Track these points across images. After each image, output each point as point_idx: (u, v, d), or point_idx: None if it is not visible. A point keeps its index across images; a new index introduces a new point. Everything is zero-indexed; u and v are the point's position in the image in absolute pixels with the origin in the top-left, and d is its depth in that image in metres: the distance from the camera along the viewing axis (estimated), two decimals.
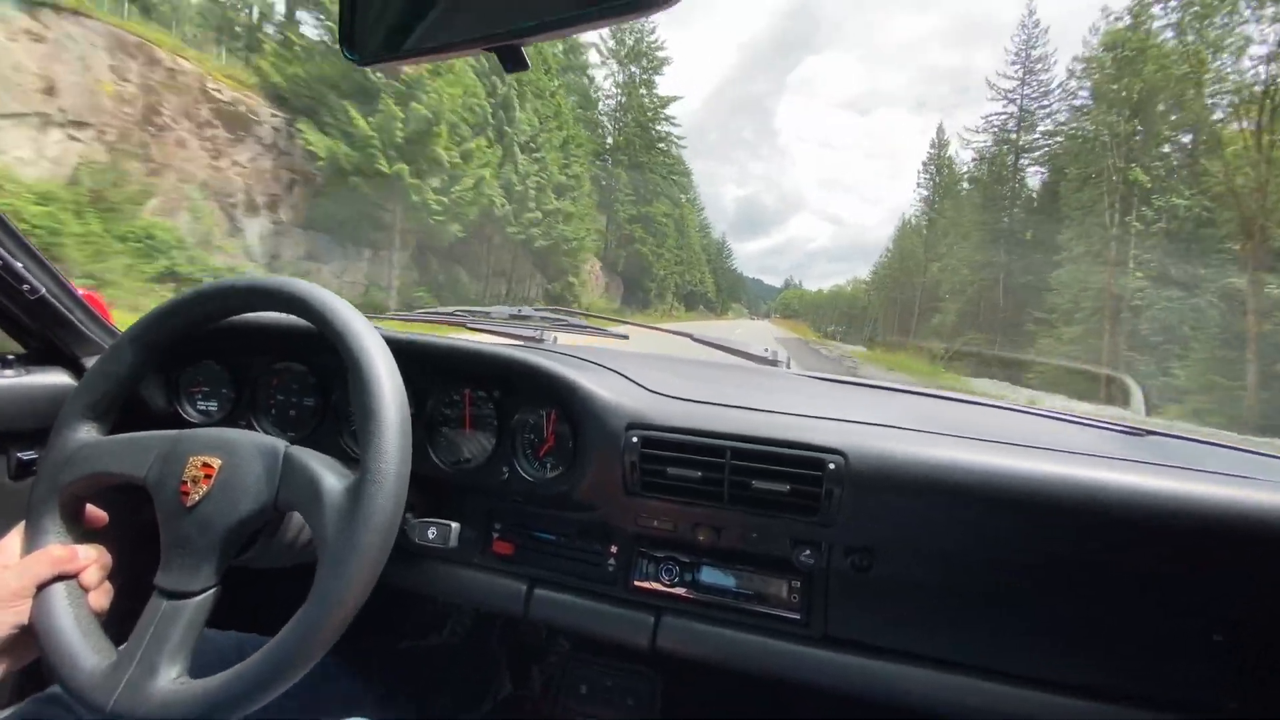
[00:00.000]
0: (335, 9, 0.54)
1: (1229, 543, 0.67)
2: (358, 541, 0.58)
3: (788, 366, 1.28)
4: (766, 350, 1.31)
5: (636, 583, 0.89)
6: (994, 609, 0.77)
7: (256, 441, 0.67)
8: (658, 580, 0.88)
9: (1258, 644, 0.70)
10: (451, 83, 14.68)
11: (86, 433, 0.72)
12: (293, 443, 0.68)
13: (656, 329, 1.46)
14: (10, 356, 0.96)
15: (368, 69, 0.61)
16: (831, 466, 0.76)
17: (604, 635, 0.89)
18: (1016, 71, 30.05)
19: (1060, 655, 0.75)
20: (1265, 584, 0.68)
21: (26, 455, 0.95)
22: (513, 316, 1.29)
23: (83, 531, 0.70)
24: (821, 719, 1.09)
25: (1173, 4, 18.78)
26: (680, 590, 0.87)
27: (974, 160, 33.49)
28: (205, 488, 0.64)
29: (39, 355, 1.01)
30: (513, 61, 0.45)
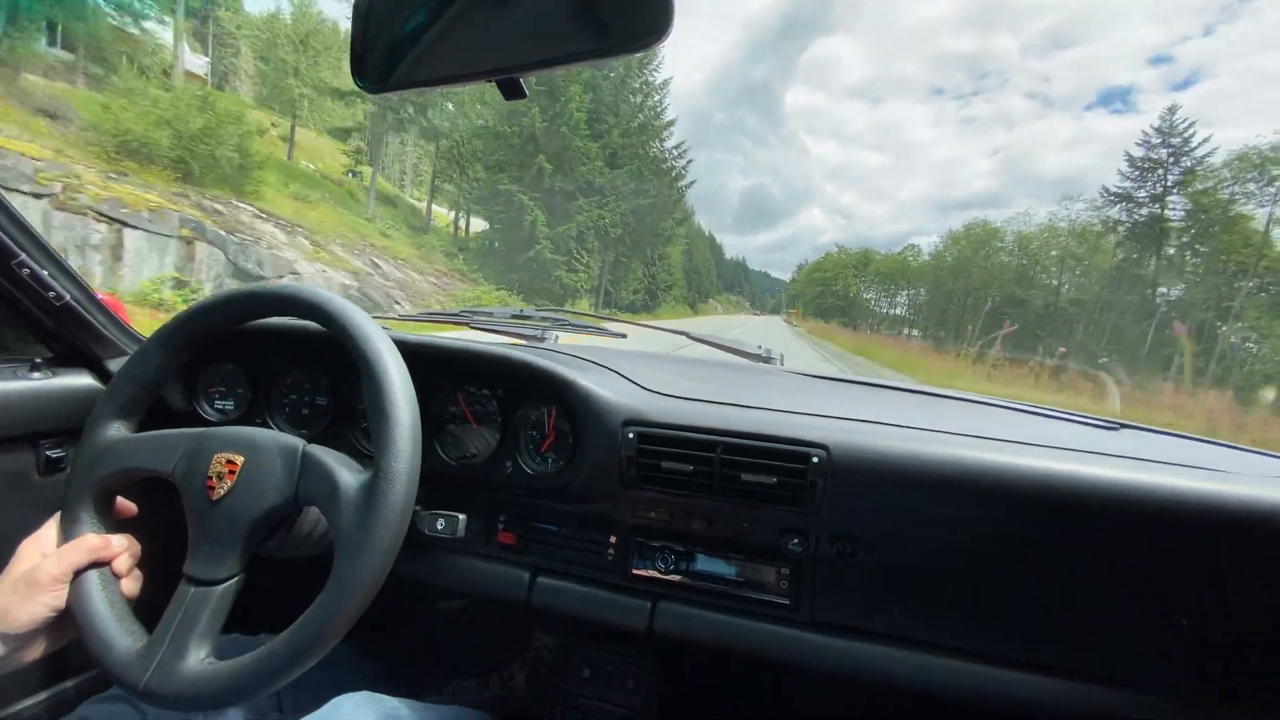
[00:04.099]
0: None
1: (1198, 533, 0.70)
2: (373, 534, 0.62)
3: (780, 364, 1.32)
4: (760, 347, 1.35)
5: (634, 571, 0.93)
6: (971, 595, 0.81)
7: (277, 440, 0.71)
8: (654, 568, 0.93)
9: (1220, 628, 0.73)
10: None
11: (116, 430, 0.76)
12: (307, 440, 0.72)
13: (654, 328, 1.50)
14: (38, 360, 1.01)
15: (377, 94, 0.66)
16: (815, 460, 0.80)
17: (603, 620, 0.94)
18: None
19: (1034, 638, 0.78)
20: (1231, 573, 0.72)
21: (54, 453, 1.00)
22: (514, 316, 1.33)
23: (114, 522, 0.75)
24: (810, 698, 1.14)
25: None
26: (676, 577, 0.92)
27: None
28: (230, 483, 0.69)
29: (64, 358, 1.06)
30: (512, 92, 0.49)
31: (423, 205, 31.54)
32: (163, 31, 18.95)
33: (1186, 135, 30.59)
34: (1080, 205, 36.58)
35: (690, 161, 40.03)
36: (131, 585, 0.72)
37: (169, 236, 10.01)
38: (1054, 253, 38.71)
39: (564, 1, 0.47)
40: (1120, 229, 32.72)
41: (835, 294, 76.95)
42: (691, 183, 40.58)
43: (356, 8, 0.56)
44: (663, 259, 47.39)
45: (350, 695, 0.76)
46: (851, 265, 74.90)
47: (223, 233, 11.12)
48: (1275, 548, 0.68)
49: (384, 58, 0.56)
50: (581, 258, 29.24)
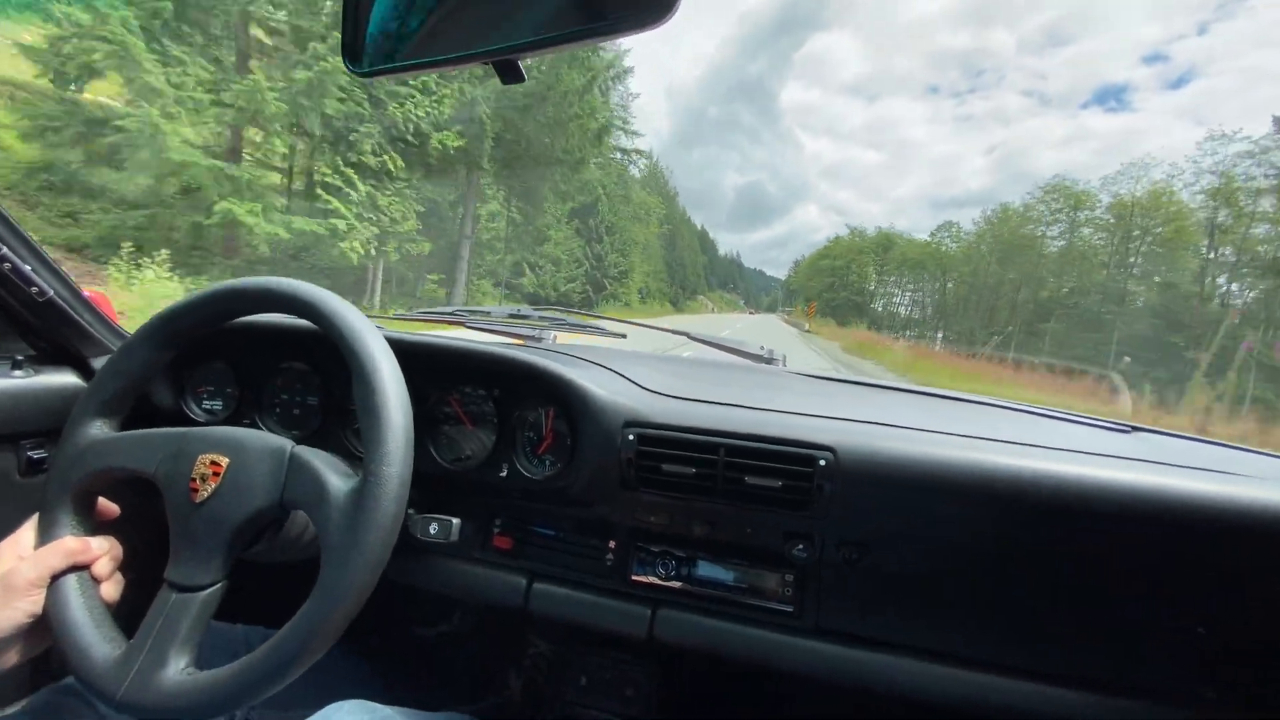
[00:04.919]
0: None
1: (1212, 537, 0.68)
2: (361, 542, 0.60)
3: (783, 365, 1.30)
4: (762, 348, 1.33)
5: (634, 576, 0.91)
6: (981, 602, 0.79)
7: (263, 441, 0.69)
8: (654, 574, 0.90)
9: (1237, 636, 0.71)
10: None
11: (99, 429, 0.74)
12: (297, 441, 0.70)
13: (654, 328, 1.48)
14: (20, 358, 0.98)
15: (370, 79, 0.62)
16: (822, 463, 0.78)
17: (602, 627, 0.91)
18: None
19: (1046, 646, 0.77)
20: (1248, 578, 0.70)
21: (36, 453, 0.97)
22: (511, 316, 1.31)
23: (95, 524, 0.72)
24: (813, 707, 1.12)
25: None
26: (677, 583, 0.89)
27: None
28: (214, 485, 0.66)
29: (47, 356, 1.03)
30: (509, 75, 0.47)
31: None
32: None
33: None
34: (1240, 145, 23.65)
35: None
36: (111, 590, 0.69)
37: None
38: (1171, 224, 25.57)
39: None
40: None
41: (849, 286, 58.96)
42: (629, 69, 23.82)
43: None
44: (611, 232, 33.67)
45: (341, 704, 0.74)
46: (870, 250, 56.90)
47: None
48: None
49: (376, 42, 0.54)
50: (355, 188, 13.41)
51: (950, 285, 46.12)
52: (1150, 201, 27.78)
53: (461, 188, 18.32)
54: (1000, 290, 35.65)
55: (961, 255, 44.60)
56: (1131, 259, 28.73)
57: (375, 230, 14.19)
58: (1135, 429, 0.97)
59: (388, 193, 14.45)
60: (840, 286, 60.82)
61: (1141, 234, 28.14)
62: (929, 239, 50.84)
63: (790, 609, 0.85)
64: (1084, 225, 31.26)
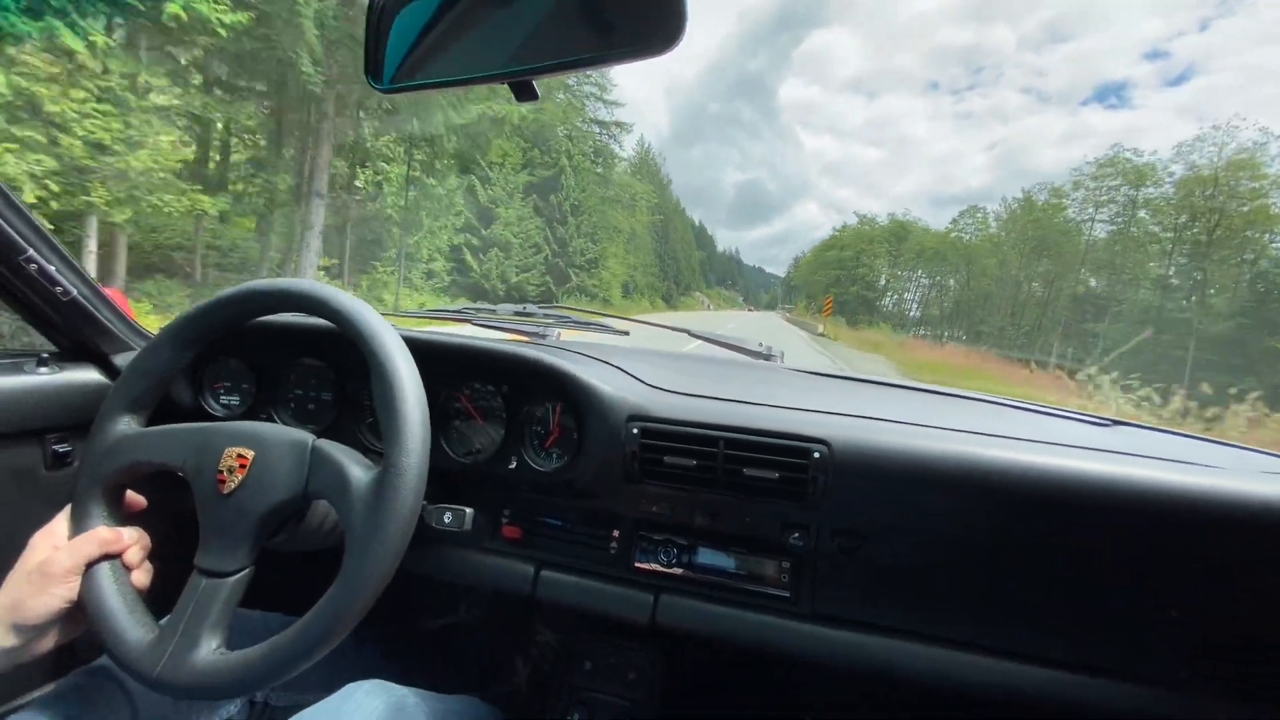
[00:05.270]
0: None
1: (1188, 528, 0.71)
2: (382, 530, 0.63)
3: (781, 361, 1.33)
4: (761, 345, 1.37)
5: (637, 564, 0.95)
6: (968, 588, 0.83)
7: (286, 435, 0.72)
8: (657, 561, 0.94)
9: (1211, 620, 0.74)
10: None
11: (127, 425, 0.77)
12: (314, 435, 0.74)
13: (656, 325, 1.51)
14: (44, 355, 1.01)
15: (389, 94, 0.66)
16: (816, 455, 0.82)
17: (606, 613, 0.95)
18: None
19: (1031, 630, 0.80)
20: (1223, 567, 0.73)
21: (61, 448, 1.01)
22: (517, 313, 1.34)
23: (124, 515, 0.76)
24: (811, 691, 1.16)
25: None
26: (678, 570, 0.93)
27: None
28: (240, 477, 0.70)
29: (70, 353, 1.06)
30: (524, 93, 0.50)
31: None
32: None
33: None
34: None
35: None
36: (142, 577, 0.73)
37: None
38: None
39: (574, 5, 0.48)
40: None
41: (859, 280, 51.78)
42: None
43: (370, 9, 0.57)
44: (578, 212, 28.66)
45: (361, 683, 0.77)
46: (882, 239, 50.20)
47: None
48: (1265, 542, 0.69)
49: (397, 59, 0.57)
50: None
51: (969, 279, 40.49)
52: (1232, 174, 22.96)
53: (298, 105, 9.64)
54: (1032, 285, 30.04)
55: (988, 245, 38.62)
56: (1206, 244, 23.28)
57: (52, 164, 7.22)
58: (1116, 423, 1.01)
59: (80, 96, 7.47)
60: (849, 280, 53.67)
61: (1224, 214, 23.04)
62: (950, 226, 45.51)
63: (787, 594, 0.89)
64: (1144, 206, 26.07)
